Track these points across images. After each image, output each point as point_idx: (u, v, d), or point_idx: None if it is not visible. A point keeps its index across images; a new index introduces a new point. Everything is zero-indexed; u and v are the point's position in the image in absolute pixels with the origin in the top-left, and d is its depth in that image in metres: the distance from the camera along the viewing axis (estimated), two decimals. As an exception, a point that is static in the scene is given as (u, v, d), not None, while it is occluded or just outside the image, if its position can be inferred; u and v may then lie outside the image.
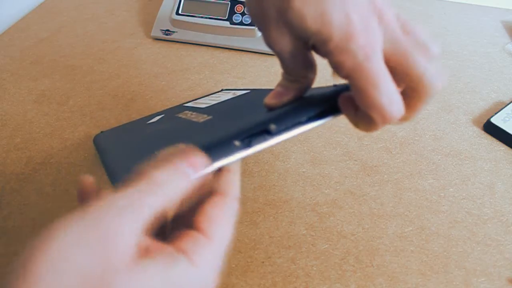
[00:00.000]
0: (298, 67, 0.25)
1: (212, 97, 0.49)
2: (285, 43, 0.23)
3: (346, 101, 0.24)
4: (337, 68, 0.22)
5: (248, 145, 0.23)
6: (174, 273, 0.18)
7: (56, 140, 0.50)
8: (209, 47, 0.64)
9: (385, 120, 0.21)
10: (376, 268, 0.37)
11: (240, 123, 0.26)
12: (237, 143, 0.23)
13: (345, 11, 0.21)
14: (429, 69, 0.21)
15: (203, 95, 0.52)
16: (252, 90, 0.46)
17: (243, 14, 0.62)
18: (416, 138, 0.49)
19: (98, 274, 0.16)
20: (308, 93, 0.27)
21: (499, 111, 0.49)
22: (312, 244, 0.38)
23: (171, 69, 0.60)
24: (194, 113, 0.40)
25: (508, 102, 0.52)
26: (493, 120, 0.48)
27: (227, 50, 0.63)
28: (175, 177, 0.19)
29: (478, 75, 0.58)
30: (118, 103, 0.54)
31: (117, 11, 0.74)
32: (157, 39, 0.66)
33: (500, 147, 0.47)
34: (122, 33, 0.68)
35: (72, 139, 0.49)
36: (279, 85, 0.26)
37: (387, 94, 0.21)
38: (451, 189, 0.43)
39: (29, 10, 0.75)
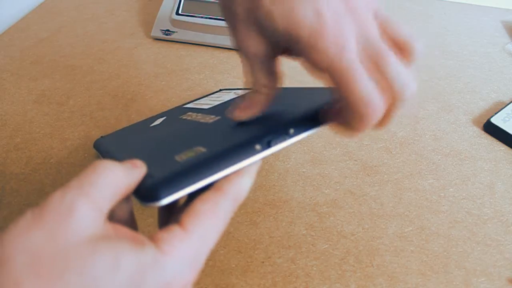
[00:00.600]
0: (263, 74, 0.24)
1: (212, 97, 0.49)
2: (253, 45, 0.23)
3: (327, 109, 0.24)
4: (311, 68, 0.21)
5: (268, 146, 0.24)
6: (136, 258, 0.18)
7: (56, 140, 0.50)
8: (209, 47, 0.64)
9: (364, 118, 0.21)
10: (376, 268, 0.37)
11: (253, 126, 0.26)
12: (258, 146, 0.23)
13: (315, 8, 0.20)
14: (400, 76, 0.21)
15: (202, 96, 0.52)
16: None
17: (243, 14, 0.62)
18: (416, 138, 0.49)
19: (48, 253, 0.17)
20: (315, 92, 0.27)
21: (499, 111, 0.49)
22: (312, 244, 0.38)
23: (171, 69, 0.60)
24: (200, 114, 0.39)
25: (508, 102, 0.52)
26: (493, 120, 0.48)
27: (227, 50, 0.63)
28: (121, 168, 0.21)
29: (478, 75, 0.58)
30: (118, 103, 0.54)
31: (117, 11, 0.74)
32: (157, 39, 0.66)
33: (500, 147, 0.47)
34: (122, 33, 0.68)
35: (72, 139, 0.49)
36: (245, 96, 0.26)
37: (362, 90, 0.20)
38: (451, 189, 0.43)
39: (29, 10, 0.75)
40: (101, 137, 0.48)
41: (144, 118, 0.52)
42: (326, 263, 0.37)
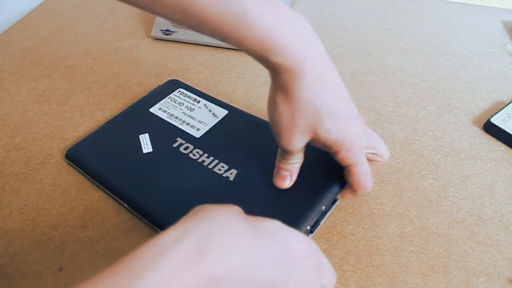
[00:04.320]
0: (299, 157, 0.36)
1: (179, 102, 0.49)
2: (300, 144, 0.33)
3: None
4: (340, 160, 0.34)
5: (310, 232, 0.37)
6: None
7: (56, 140, 0.50)
8: (209, 47, 0.64)
9: (366, 192, 0.37)
10: (376, 268, 0.37)
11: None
12: (324, 207, 0.37)
13: (354, 130, 0.33)
14: (369, 175, 0.36)
15: (163, 97, 0.50)
16: (229, 110, 0.47)
17: (243, 14, 0.62)
18: (416, 138, 0.49)
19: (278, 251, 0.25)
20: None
21: (499, 111, 0.49)
22: (312, 244, 0.38)
23: (171, 69, 0.60)
24: (198, 150, 0.43)
25: (508, 102, 0.52)
26: (493, 120, 0.48)
27: (227, 50, 0.63)
28: None
29: (478, 75, 0.58)
30: (118, 103, 0.54)
31: (117, 11, 0.74)
32: (157, 39, 0.66)
33: (500, 147, 0.47)
34: (122, 33, 0.68)
35: (72, 139, 0.49)
36: (283, 169, 0.37)
37: (369, 177, 0.36)
38: (451, 189, 0.43)
39: (29, 10, 0.75)
40: (73, 146, 0.46)
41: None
42: (326, 263, 0.37)
